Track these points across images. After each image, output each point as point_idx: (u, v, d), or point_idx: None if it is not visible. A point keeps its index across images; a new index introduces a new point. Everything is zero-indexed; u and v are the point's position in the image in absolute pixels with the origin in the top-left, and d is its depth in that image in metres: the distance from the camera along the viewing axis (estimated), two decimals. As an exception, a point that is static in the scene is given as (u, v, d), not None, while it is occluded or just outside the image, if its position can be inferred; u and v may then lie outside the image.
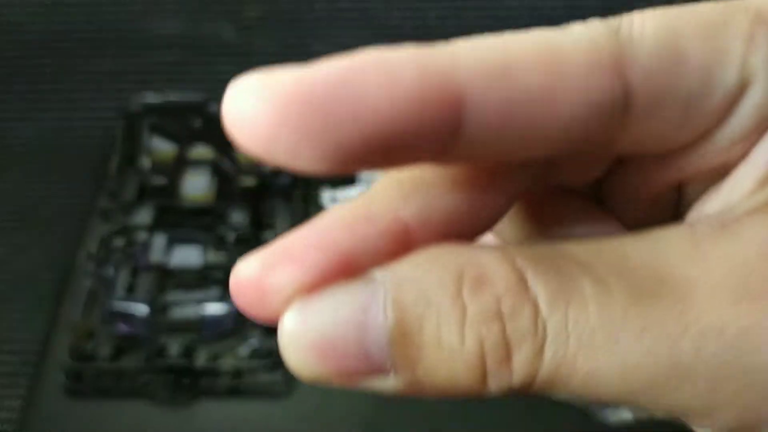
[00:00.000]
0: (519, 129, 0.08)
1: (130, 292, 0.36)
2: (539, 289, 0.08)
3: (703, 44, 0.08)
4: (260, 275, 0.08)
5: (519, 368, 0.08)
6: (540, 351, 0.08)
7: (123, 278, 0.37)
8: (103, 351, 0.35)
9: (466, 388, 0.08)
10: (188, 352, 0.34)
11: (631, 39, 0.08)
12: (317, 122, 0.07)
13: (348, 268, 0.08)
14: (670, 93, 0.08)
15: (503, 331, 0.08)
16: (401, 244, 0.08)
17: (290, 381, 0.34)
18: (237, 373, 0.34)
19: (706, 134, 0.08)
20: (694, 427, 0.09)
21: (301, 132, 0.07)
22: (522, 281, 0.08)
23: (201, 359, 0.34)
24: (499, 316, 0.08)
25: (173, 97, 0.42)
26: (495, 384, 0.08)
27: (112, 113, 0.47)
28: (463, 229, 0.09)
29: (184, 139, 0.40)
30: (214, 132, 0.41)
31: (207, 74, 0.49)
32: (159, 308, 0.36)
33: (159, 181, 0.39)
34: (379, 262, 0.08)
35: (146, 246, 0.37)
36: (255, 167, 0.39)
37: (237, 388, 0.34)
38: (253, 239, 0.38)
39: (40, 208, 0.45)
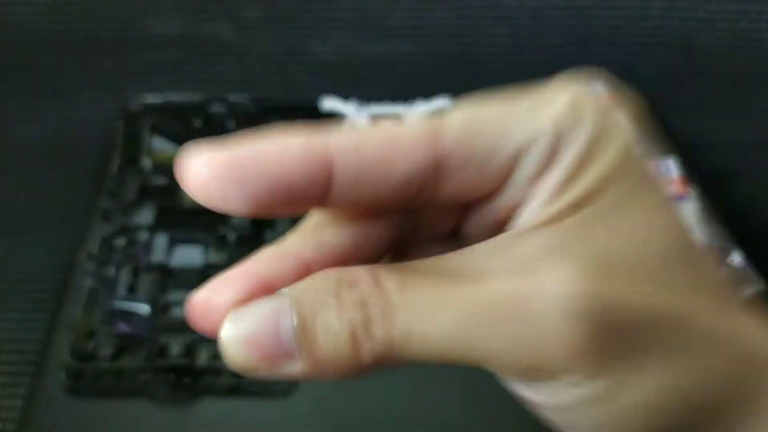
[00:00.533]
0: (371, 184, 0.12)
1: (131, 292, 0.36)
2: (389, 284, 0.12)
3: (493, 124, 0.12)
4: (206, 298, 0.13)
5: (378, 337, 0.12)
6: (390, 322, 0.12)
7: (124, 278, 0.37)
8: (103, 350, 0.35)
9: (349, 362, 0.12)
10: (189, 352, 0.34)
11: (443, 125, 0.12)
12: (236, 177, 0.11)
13: (267, 290, 0.12)
14: (469, 158, 0.12)
15: (366, 313, 0.12)
16: (304, 272, 0.13)
17: (292, 380, 0.35)
18: (238, 373, 0.34)
19: (503, 183, 0.13)
20: (499, 374, 0.12)
21: (226, 184, 0.11)
22: (378, 281, 0.12)
23: (202, 358, 0.34)
24: (363, 304, 0.12)
25: (174, 97, 0.42)
26: (366, 353, 0.12)
27: (113, 113, 0.47)
28: (351, 263, 0.13)
29: (185, 139, 0.40)
30: (215, 132, 0.41)
31: (207, 74, 0.50)
32: (160, 308, 0.36)
33: (160, 181, 0.39)
34: (289, 285, 0.12)
35: (147, 246, 0.37)
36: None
37: (238, 387, 0.34)
38: (253, 239, 0.38)
39: (40, 208, 0.45)
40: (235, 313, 0.12)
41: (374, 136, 0.12)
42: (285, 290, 0.12)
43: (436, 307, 0.11)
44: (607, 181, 0.12)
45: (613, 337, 0.11)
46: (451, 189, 0.12)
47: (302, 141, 0.12)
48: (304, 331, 0.12)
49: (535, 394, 0.13)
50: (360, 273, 0.12)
